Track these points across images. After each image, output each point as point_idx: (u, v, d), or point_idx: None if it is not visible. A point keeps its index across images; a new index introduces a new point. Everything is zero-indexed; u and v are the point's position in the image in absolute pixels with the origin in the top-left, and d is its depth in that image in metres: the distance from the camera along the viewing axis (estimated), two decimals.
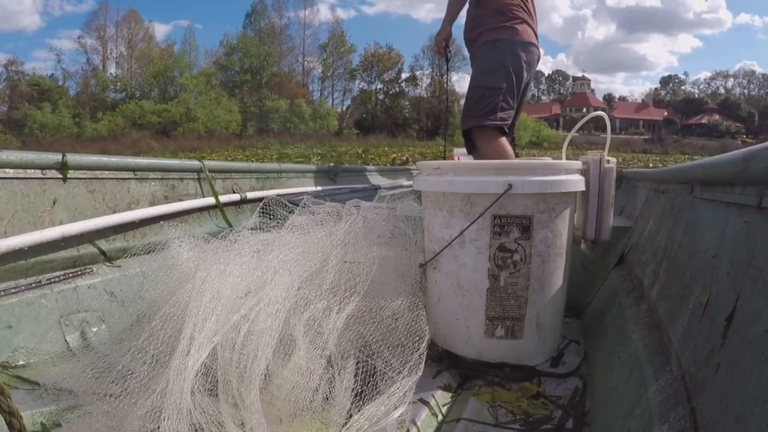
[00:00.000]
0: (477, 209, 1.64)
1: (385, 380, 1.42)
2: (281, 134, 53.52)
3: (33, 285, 1.88)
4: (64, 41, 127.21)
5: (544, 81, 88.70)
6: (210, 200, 2.93)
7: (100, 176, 2.29)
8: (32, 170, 1.97)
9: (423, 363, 1.46)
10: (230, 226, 2.96)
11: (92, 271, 2.12)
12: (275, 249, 1.74)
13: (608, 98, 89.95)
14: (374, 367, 1.49)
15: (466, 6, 3.61)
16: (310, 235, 1.91)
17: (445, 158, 4.46)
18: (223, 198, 3.03)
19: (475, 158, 3.43)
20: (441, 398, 1.59)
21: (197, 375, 1.26)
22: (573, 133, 2.20)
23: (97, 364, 1.57)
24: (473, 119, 3.29)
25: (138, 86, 61.76)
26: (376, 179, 5.55)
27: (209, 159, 3.23)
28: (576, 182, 1.71)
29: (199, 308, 1.39)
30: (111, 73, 62.79)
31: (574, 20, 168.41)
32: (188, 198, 2.83)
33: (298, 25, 71.68)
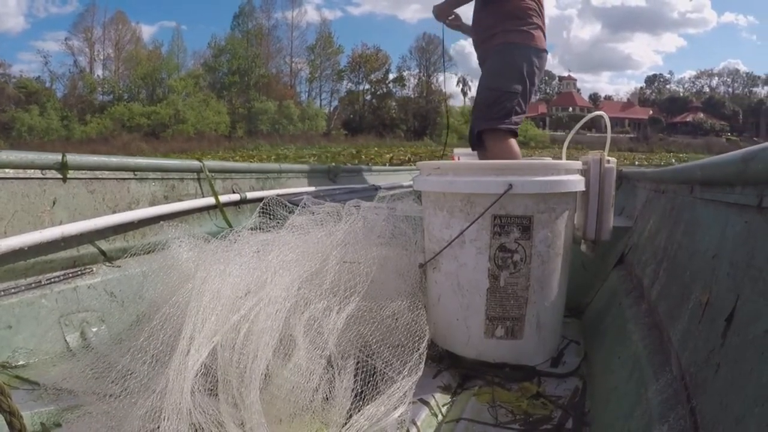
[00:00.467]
0: (477, 209, 1.64)
1: (385, 380, 1.42)
2: (270, 135, 54.15)
3: (33, 285, 1.88)
4: (49, 43, 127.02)
5: None
6: (210, 200, 2.93)
7: (100, 176, 2.29)
8: (32, 170, 1.97)
9: (423, 363, 1.46)
10: (230, 226, 2.96)
11: (92, 271, 2.12)
12: (275, 249, 1.74)
13: (594, 97, 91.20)
14: (374, 367, 1.49)
15: (471, 5, 3.59)
16: (310, 236, 1.91)
17: (442, 158, 4.44)
18: (223, 198, 3.03)
19: (483, 158, 3.43)
20: (441, 398, 1.59)
21: (197, 375, 1.26)
22: (573, 133, 2.20)
23: (97, 364, 1.57)
24: (488, 122, 3.29)
25: (126, 88, 62.46)
26: (375, 179, 5.55)
27: (205, 160, 3.23)
28: (576, 182, 1.71)
29: (199, 308, 1.39)
30: (98, 75, 63.59)
31: (560, 20, 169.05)
32: (188, 198, 2.83)
33: (285, 26, 72.81)
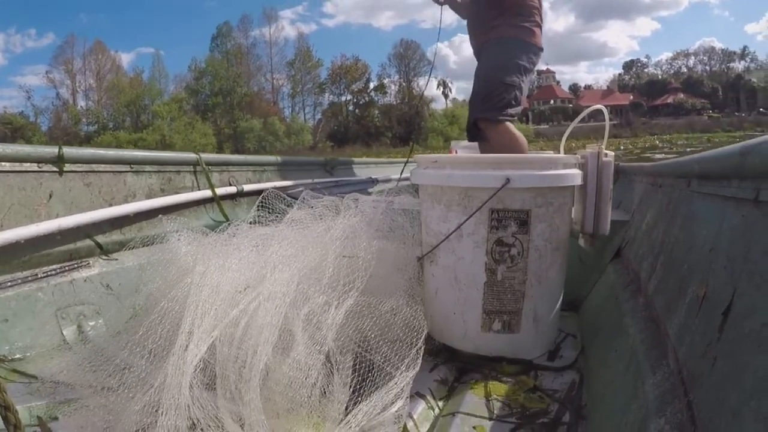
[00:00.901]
0: (474, 203, 1.64)
1: (383, 375, 1.42)
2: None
3: (29, 278, 1.88)
4: (29, 77, 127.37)
5: None
6: (206, 193, 2.93)
7: (97, 169, 2.29)
8: (28, 163, 1.97)
9: (420, 358, 1.46)
10: (227, 218, 2.96)
11: (89, 264, 2.12)
12: (274, 243, 1.74)
13: (574, 88, 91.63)
14: (372, 362, 1.49)
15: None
16: (309, 230, 1.91)
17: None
18: (220, 191, 3.03)
19: (484, 149, 3.43)
20: (437, 392, 1.59)
21: (196, 370, 1.26)
22: (571, 128, 2.19)
23: (94, 358, 1.57)
24: (486, 112, 3.27)
25: (111, 117, 62.90)
26: (372, 172, 5.54)
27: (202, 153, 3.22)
28: (574, 176, 1.71)
29: (198, 303, 1.39)
30: (82, 106, 63.87)
31: None
32: (185, 191, 2.82)
33: (263, 43, 73.57)
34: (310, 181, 3.97)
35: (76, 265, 2.06)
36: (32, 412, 1.38)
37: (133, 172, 2.50)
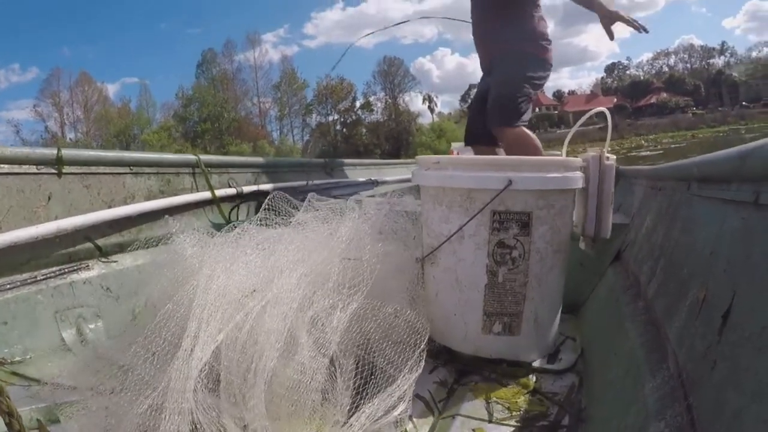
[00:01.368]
0: (476, 205, 1.64)
1: (386, 378, 1.42)
2: None
3: (28, 281, 1.88)
4: (14, 112, 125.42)
5: None
6: (206, 194, 2.93)
7: (96, 171, 2.28)
8: (27, 165, 1.97)
9: (423, 361, 1.46)
10: (227, 220, 2.96)
11: (88, 266, 2.11)
12: (280, 247, 1.74)
13: (558, 94, 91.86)
14: (375, 365, 1.48)
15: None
16: (315, 233, 1.91)
17: None
18: (219, 192, 3.03)
19: (480, 152, 3.50)
20: (437, 394, 1.59)
21: (200, 374, 1.25)
22: (573, 131, 2.19)
23: (94, 360, 1.57)
24: (503, 121, 3.32)
25: (100, 148, 63.12)
26: (372, 173, 5.52)
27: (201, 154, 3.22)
28: (576, 179, 1.71)
29: (204, 306, 1.39)
30: (71, 138, 63.28)
31: None
32: (184, 192, 2.82)
33: (248, 68, 73.26)
34: (309, 182, 3.96)
35: (75, 268, 2.06)
36: (32, 415, 1.38)
37: (132, 173, 2.49)
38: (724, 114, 73.00)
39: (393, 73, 73.73)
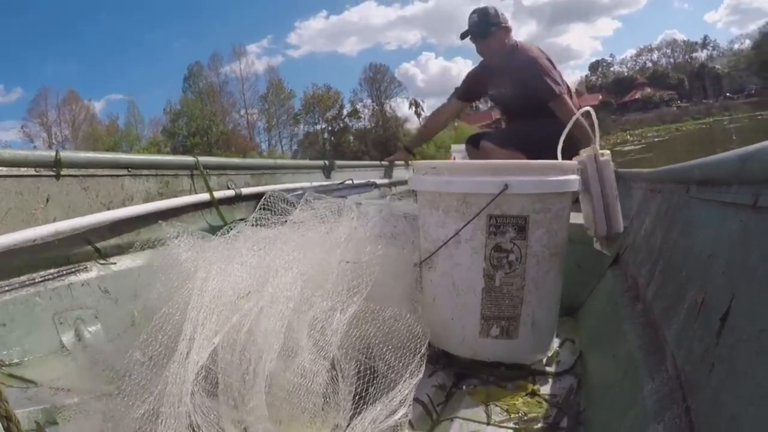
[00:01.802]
0: (473, 209, 1.64)
1: (387, 382, 1.42)
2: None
3: (27, 283, 1.88)
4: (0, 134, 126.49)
5: None
6: (204, 196, 2.92)
7: (94, 173, 2.28)
8: (25, 168, 1.96)
9: (424, 365, 1.46)
10: (225, 222, 2.96)
11: (86, 268, 2.11)
12: (276, 247, 1.74)
13: None
14: (375, 369, 1.48)
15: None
16: (312, 232, 1.91)
17: None
18: (218, 194, 3.02)
19: (475, 156, 3.68)
20: (435, 397, 1.59)
21: (197, 377, 1.25)
22: (566, 133, 2.18)
23: (93, 363, 1.57)
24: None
25: None
26: (371, 175, 5.50)
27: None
28: (572, 182, 1.71)
29: (200, 308, 1.39)
30: None
31: None
32: (183, 194, 2.81)
33: (235, 80, 73.36)
34: (308, 184, 3.96)
35: (73, 270, 2.06)
36: (30, 417, 1.38)
37: (130, 175, 2.49)
38: (708, 106, 74.05)
39: (379, 80, 74.00)
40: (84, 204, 2.20)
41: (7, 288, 1.81)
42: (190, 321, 1.35)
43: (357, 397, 1.37)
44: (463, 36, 4.17)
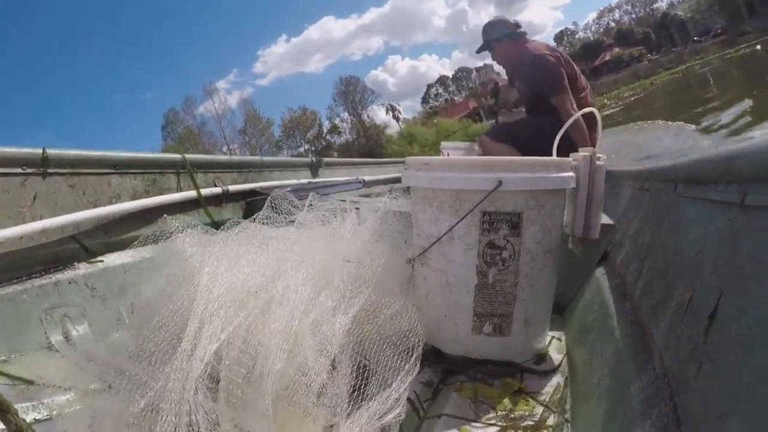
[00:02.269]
0: (466, 205, 1.64)
1: (382, 380, 1.42)
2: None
3: (14, 281, 1.87)
4: None
5: (451, 83, 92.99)
6: (192, 194, 2.92)
7: (81, 171, 2.27)
8: (12, 166, 1.96)
9: (419, 365, 1.46)
10: (212, 219, 2.95)
11: (73, 266, 2.10)
12: (286, 246, 1.74)
13: None
14: (370, 368, 1.48)
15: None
16: (316, 233, 1.90)
17: None
18: (205, 192, 3.02)
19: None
20: (422, 394, 1.60)
21: (203, 374, 1.24)
22: (563, 130, 2.18)
23: (80, 360, 1.56)
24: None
25: None
26: (358, 172, 5.49)
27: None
28: (567, 179, 1.70)
29: (207, 303, 1.38)
30: None
31: (455, 16, 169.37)
32: (170, 192, 2.81)
33: (212, 119, 74.12)
34: (296, 181, 3.95)
35: (60, 267, 2.05)
36: (18, 415, 1.37)
37: (117, 173, 2.49)
38: (678, 53, 74.27)
39: (352, 92, 74.72)
40: (71, 202, 2.20)
41: None
42: (195, 316, 1.34)
43: (355, 394, 1.37)
44: (478, 51, 4.50)
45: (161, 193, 2.74)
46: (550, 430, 1.40)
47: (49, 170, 2.10)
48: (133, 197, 2.56)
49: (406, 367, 1.42)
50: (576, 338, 1.87)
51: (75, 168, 2.24)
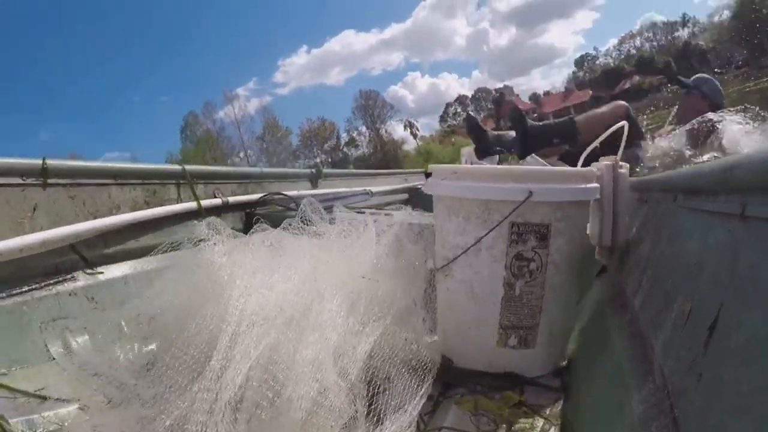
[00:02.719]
0: (494, 216, 1.62)
1: (396, 401, 1.41)
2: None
3: (13, 292, 1.87)
4: None
5: (470, 102, 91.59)
6: (192, 205, 2.92)
7: (81, 182, 2.28)
8: (12, 176, 1.96)
9: (431, 388, 1.46)
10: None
11: (73, 277, 2.10)
12: (321, 267, 1.74)
13: (534, 97, 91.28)
14: (386, 389, 1.48)
15: None
16: (342, 248, 1.91)
17: None
18: (205, 203, 3.02)
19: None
20: (423, 407, 1.59)
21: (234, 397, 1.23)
22: (594, 145, 2.18)
23: (80, 372, 1.56)
24: None
25: None
26: (361, 183, 5.42)
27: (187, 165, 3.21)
28: (593, 190, 1.70)
29: (240, 322, 1.37)
30: None
31: (475, 36, 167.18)
32: (170, 203, 2.81)
33: (230, 125, 73.34)
34: (296, 192, 3.95)
35: (60, 279, 2.05)
36: (16, 428, 1.37)
37: (117, 184, 2.49)
38: None
39: (371, 106, 75.13)
40: (71, 213, 2.20)
41: None
42: (226, 334, 1.33)
43: (371, 415, 1.37)
44: None
45: (161, 204, 2.74)
46: None
47: (49, 180, 2.10)
48: (134, 208, 2.56)
49: (421, 391, 1.42)
50: (575, 350, 1.87)
51: (75, 178, 2.24)
